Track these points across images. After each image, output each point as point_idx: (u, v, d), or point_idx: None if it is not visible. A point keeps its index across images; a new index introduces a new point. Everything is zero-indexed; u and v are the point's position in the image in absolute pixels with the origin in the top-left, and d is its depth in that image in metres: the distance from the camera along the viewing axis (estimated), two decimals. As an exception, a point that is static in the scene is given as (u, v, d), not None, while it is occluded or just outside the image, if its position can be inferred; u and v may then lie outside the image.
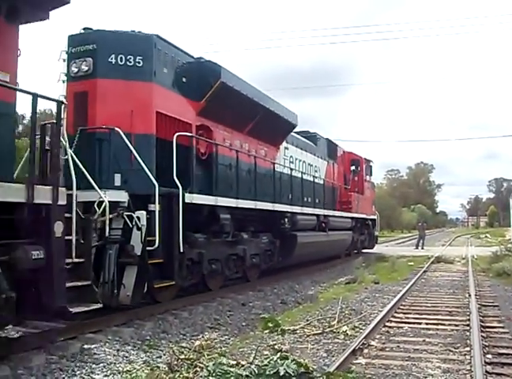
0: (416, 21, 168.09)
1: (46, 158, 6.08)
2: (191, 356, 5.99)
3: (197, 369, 5.46)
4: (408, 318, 8.65)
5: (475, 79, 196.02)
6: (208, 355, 5.95)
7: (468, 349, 6.49)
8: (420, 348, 6.65)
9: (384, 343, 6.92)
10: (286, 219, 13.51)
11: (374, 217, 25.49)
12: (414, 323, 8.25)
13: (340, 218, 19.03)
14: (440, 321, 8.34)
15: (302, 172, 15.65)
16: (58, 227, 5.94)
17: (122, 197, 7.94)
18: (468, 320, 8.21)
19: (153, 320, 8.00)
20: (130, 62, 8.75)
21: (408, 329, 7.80)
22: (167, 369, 5.76)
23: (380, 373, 5.55)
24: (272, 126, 12.97)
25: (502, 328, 7.87)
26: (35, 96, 5.85)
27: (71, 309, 6.21)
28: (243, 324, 8.75)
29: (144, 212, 7.88)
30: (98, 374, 5.79)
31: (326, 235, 16.80)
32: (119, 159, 8.25)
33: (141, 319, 7.98)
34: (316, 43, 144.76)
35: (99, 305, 6.70)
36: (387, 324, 8.14)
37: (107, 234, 7.49)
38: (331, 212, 17.87)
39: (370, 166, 25.55)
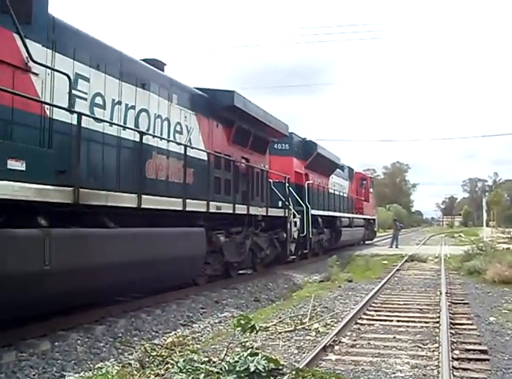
0: (397, 21, 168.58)
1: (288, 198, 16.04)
2: (163, 353, 6.00)
3: (169, 365, 5.48)
4: (379, 316, 8.76)
5: (453, 79, 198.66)
6: (180, 352, 5.97)
7: (436, 345, 6.62)
8: (390, 345, 6.75)
9: (355, 340, 7.00)
10: (338, 221, 23.46)
11: (375, 217, 36.35)
12: (385, 320, 8.36)
13: (358, 219, 29.26)
14: (411, 319, 8.47)
15: (341, 191, 26.10)
16: (288, 225, 15.30)
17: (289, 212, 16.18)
18: (439, 317, 8.35)
19: (126, 317, 7.96)
20: (282, 147, 18.43)
21: (379, 326, 7.91)
22: (138, 365, 5.76)
23: (350, 370, 5.63)
24: (330, 167, 23.95)
25: (471, 325, 8.03)
26: (284, 178, 16.14)
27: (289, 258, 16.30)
28: (216, 321, 8.77)
29: (298, 219, 16.87)
30: (69, 371, 5.76)
31: (353, 229, 27.00)
32: (280, 193, 16.06)
33: (113, 316, 7.95)
34: (297, 41, 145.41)
35: (294, 257, 16.92)
36: (359, 321, 8.25)
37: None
38: (353, 215, 28.23)
39: (372, 182, 38.35)
